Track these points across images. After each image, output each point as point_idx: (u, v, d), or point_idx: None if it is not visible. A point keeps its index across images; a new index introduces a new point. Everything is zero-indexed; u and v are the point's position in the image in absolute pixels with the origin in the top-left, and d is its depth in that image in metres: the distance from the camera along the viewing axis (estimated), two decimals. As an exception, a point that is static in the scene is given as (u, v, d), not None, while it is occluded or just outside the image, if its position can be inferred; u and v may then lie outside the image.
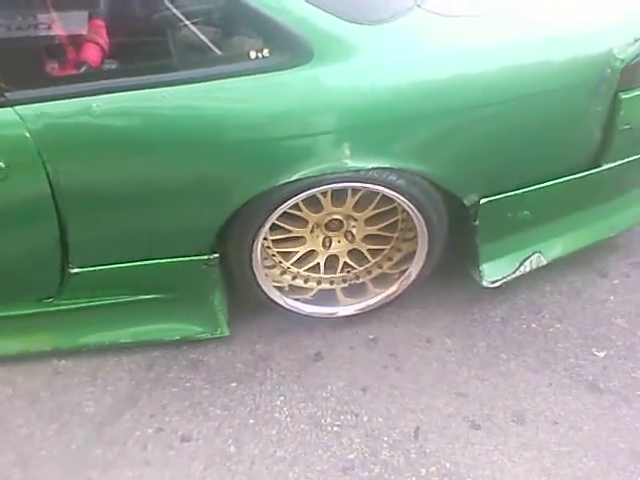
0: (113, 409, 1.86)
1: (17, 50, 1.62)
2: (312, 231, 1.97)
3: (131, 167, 1.68)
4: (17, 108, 1.58)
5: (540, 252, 2.06)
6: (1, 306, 1.93)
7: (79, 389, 1.92)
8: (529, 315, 2.10)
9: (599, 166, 1.96)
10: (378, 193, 1.85)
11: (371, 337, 2.06)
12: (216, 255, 1.86)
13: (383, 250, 2.05)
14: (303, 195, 1.77)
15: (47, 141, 1.60)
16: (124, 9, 1.86)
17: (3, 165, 1.60)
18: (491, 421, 1.79)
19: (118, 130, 1.64)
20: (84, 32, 1.76)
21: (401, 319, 2.11)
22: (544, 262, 2.07)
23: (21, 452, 1.76)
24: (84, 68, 1.72)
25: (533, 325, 2.07)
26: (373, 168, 1.73)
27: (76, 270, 1.83)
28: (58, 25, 1.75)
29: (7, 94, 1.57)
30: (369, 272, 2.09)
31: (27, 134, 1.58)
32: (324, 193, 1.84)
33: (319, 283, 2.09)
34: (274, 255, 2.00)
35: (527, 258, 2.05)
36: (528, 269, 2.06)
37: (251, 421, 1.82)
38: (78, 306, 1.94)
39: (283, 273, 2.05)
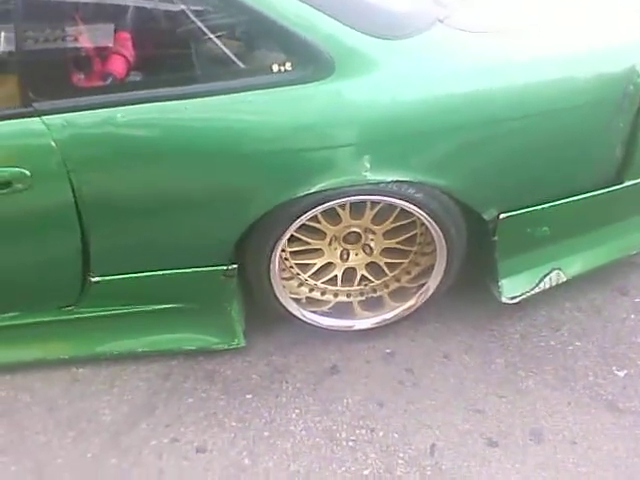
0: (129, 418, 1.87)
1: (45, 61, 1.65)
2: (330, 243, 1.97)
3: (153, 178, 1.70)
4: (44, 118, 1.61)
5: (560, 269, 2.05)
6: (21, 314, 1.96)
7: (96, 397, 1.93)
8: (548, 332, 2.07)
9: (621, 183, 1.94)
10: (397, 206, 1.85)
11: (388, 351, 2.05)
12: (235, 266, 1.87)
13: (401, 264, 2.05)
14: (322, 207, 1.78)
15: (72, 151, 1.63)
16: (149, 22, 1.89)
17: (29, 174, 1.63)
18: (508, 439, 1.77)
19: (141, 141, 1.66)
20: (110, 44, 1.79)
21: (419, 333, 2.09)
22: (564, 279, 2.06)
23: (37, 459, 1.77)
24: (110, 79, 1.75)
25: (552, 342, 2.04)
26: (392, 181, 1.74)
27: (97, 279, 1.85)
28: (85, 37, 1.78)
29: (35, 104, 1.61)
30: (387, 285, 2.09)
31: (53, 144, 1.61)
32: (343, 206, 1.84)
33: (336, 296, 2.09)
34: (292, 267, 2.01)
35: (547, 274, 2.04)
36: (547, 286, 2.05)
37: (266, 433, 1.82)
38: (97, 314, 1.96)
39: (300, 285, 2.05)
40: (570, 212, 1.93)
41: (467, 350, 2.03)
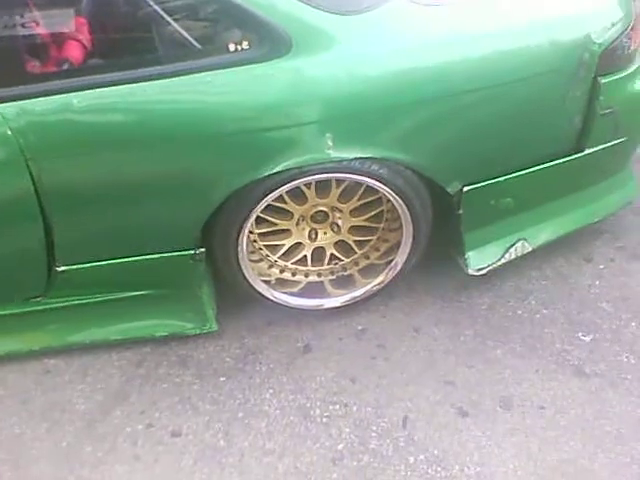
0: (103, 406, 1.87)
1: (-2, 49, 1.63)
2: (298, 224, 1.97)
3: (113, 163, 1.68)
4: (-2, 106, 1.58)
5: (525, 239, 2.07)
6: (-11, 306, 1.94)
7: (70, 387, 1.93)
8: (515, 302, 2.11)
9: (581, 151, 1.97)
10: (362, 184, 1.85)
11: (360, 328, 2.07)
12: (202, 250, 1.87)
13: (369, 241, 2.06)
14: (287, 187, 1.78)
15: (30, 139, 1.60)
16: (105, 6, 1.86)
17: (-15, 164, 1.61)
18: (478, 408, 1.81)
19: (100, 126, 1.64)
20: (65, 30, 1.76)
21: (389, 309, 2.12)
22: (529, 249, 2.09)
23: (12, 451, 1.76)
24: (66, 65, 1.72)
25: (519, 311, 2.08)
26: (355, 158, 1.74)
27: (63, 268, 1.84)
28: (40, 23, 1.75)
29: (-12, 92, 1.58)
30: (356, 263, 2.10)
31: (9, 132, 1.59)
32: (308, 185, 1.84)
33: (307, 276, 2.09)
34: (261, 249, 2.01)
35: (512, 245, 2.06)
36: (513, 256, 2.07)
37: (240, 414, 1.83)
38: (66, 304, 1.94)
39: (270, 267, 2.06)
40: (533, 182, 1.96)
41: (436, 323, 2.06)
